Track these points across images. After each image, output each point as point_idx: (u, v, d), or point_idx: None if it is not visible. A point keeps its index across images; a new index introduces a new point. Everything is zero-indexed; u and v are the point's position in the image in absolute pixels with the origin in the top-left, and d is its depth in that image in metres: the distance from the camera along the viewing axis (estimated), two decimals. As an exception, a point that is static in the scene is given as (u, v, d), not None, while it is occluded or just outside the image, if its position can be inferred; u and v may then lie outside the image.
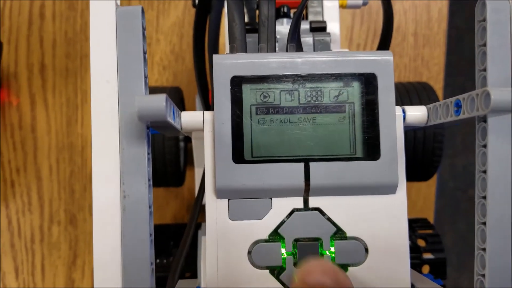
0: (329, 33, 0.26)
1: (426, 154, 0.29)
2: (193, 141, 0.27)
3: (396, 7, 0.36)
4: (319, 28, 0.26)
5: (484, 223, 0.17)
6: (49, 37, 0.36)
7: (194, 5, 0.28)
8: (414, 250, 0.29)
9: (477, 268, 0.18)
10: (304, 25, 0.27)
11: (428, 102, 0.30)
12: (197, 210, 0.23)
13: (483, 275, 0.17)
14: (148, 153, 0.17)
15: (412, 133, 0.29)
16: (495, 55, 0.18)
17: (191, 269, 0.29)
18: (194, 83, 0.30)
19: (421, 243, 0.30)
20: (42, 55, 0.36)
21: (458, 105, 0.18)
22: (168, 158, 0.29)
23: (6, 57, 0.35)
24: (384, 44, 0.25)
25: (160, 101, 0.14)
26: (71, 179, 0.36)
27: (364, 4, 0.29)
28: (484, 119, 0.17)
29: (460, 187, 0.99)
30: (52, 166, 0.36)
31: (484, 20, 0.18)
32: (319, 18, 0.27)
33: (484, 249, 0.17)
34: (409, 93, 0.30)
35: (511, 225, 0.17)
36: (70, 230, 0.36)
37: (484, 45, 0.18)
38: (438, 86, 0.36)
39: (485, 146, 0.17)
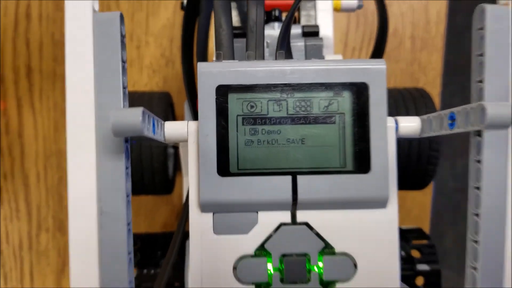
0: (321, 38, 0.25)
1: (421, 162, 0.28)
2: (180, 149, 0.26)
3: (393, 9, 0.35)
4: (312, 33, 0.25)
5: (477, 242, 0.17)
6: (35, 39, 0.35)
7: (182, 8, 0.28)
8: (408, 261, 0.29)
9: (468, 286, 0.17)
10: (297, 30, 0.26)
11: (425, 111, 0.30)
12: (183, 221, 0.22)
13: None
14: (127, 167, 0.16)
15: (407, 141, 0.28)
16: (493, 66, 0.17)
17: (180, 279, 0.28)
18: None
19: (416, 254, 0.29)
20: (29, 58, 0.35)
21: (452, 118, 0.17)
22: (155, 166, 0.28)
23: None
24: (379, 51, 0.25)
25: (136, 115, 0.14)
26: (59, 186, 0.35)
27: (359, 7, 0.28)
28: (479, 133, 0.17)
29: (460, 188, 0.98)
30: (40, 172, 0.35)
31: (483, 28, 0.17)
32: (312, 22, 0.27)
33: (475, 268, 0.17)
34: (405, 101, 0.29)
35: (503, 242, 0.16)
36: (59, 237, 0.35)
37: (482, 55, 0.17)
38: (435, 91, 0.35)
39: (479, 161, 0.17)
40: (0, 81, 0.35)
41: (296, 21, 0.28)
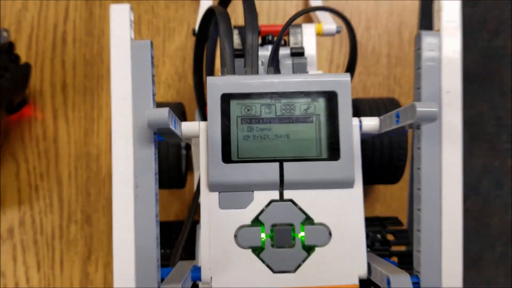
0: (305, 57, 0.30)
1: (392, 159, 0.33)
2: (192, 147, 0.32)
3: (371, 32, 0.41)
4: (298, 53, 0.31)
5: (420, 209, 0.22)
6: (70, 60, 0.41)
7: (194, 34, 0.33)
8: (384, 243, 0.33)
9: (415, 247, 0.22)
10: (286, 51, 0.31)
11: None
12: (195, 202, 0.27)
13: (419, 251, 0.22)
14: (155, 154, 0.21)
15: (379, 141, 0.33)
16: (427, 77, 0.22)
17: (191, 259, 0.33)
18: (194, 99, 0.35)
19: (390, 237, 0.34)
20: (64, 75, 0.41)
21: (397, 116, 0.22)
22: (171, 162, 0.33)
23: (33, 77, 0.40)
24: (351, 67, 0.30)
25: (164, 112, 0.19)
26: (87, 184, 0.40)
27: (337, 32, 0.33)
28: (418, 127, 0.22)
29: None
30: (71, 172, 0.40)
31: (420, 48, 0.22)
32: (299, 45, 0.32)
33: (419, 230, 0.22)
34: (378, 109, 0.34)
35: (439, 209, 0.21)
36: (86, 229, 0.40)
37: (420, 68, 0.22)
38: (409, 101, 0.41)
39: (419, 148, 0.22)
40: (40, 95, 0.41)
41: (287, 43, 0.33)
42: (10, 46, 0.36)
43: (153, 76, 0.22)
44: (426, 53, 0.22)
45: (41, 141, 0.41)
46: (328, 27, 0.33)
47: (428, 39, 0.22)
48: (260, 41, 0.32)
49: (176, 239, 0.34)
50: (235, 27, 0.33)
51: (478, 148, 0.98)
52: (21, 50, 0.41)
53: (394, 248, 0.33)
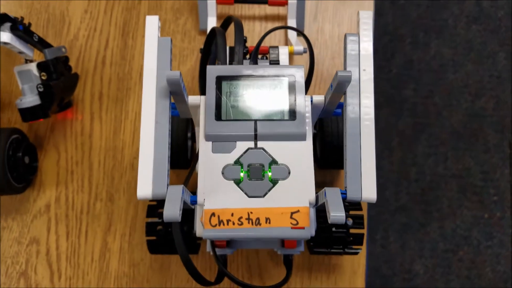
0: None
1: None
2: (196, 128, 0.40)
3: (336, 61, 0.51)
4: (275, 63, 0.41)
5: (346, 145, 0.30)
6: (107, 77, 0.51)
7: (200, 51, 0.44)
8: (343, 226, 0.40)
9: (344, 170, 0.30)
10: (266, 63, 0.42)
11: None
12: (196, 160, 0.36)
13: (346, 173, 0.30)
14: (169, 105, 0.30)
15: (336, 129, 0.42)
16: (350, 59, 0.32)
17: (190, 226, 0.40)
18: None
19: (349, 220, 0.41)
20: (101, 88, 0.51)
21: (331, 86, 0.32)
22: (179, 143, 0.42)
23: (77, 89, 0.50)
24: (311, 68, 0.40)
25: (177, 73, 0.29)
26: (112, 170, 0.48)
27: (304, 51, 0.44)
28: (345, 92, 0.31)
29: (451, 249, 0.98)
30: (101, 161, 0.49)
31: (346, 44, 0.32)
32: (276, 59, 0.43)
33: (346, 158, 0.30)
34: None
35: (359, 141, 0.30)
36: (109, 206, 0.47)
37: (346, 56, 0.32)
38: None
39: (346, 102, 0.31)
40: (82, 102, 0.51)
41: (268, 58, 0.44)
42: (66, 59, 0.46)
43: (170, 59, 0.32)
44: (349, 47, 0.32)
45: (79, 136, 0.49)
46: (297, 48, 0.44)
47: (351, 38, 0.32)
48: (248, 56, 0.43)
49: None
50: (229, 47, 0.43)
51: (467, 201, 1.00)
52: (70, 70, 0.51)
53: (352, 212, 0.40)
